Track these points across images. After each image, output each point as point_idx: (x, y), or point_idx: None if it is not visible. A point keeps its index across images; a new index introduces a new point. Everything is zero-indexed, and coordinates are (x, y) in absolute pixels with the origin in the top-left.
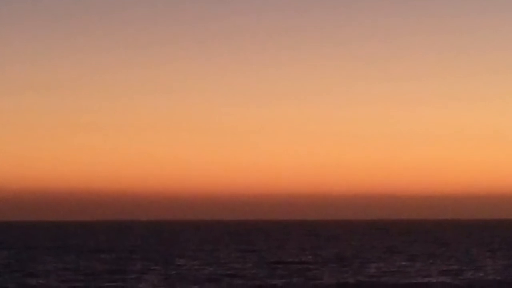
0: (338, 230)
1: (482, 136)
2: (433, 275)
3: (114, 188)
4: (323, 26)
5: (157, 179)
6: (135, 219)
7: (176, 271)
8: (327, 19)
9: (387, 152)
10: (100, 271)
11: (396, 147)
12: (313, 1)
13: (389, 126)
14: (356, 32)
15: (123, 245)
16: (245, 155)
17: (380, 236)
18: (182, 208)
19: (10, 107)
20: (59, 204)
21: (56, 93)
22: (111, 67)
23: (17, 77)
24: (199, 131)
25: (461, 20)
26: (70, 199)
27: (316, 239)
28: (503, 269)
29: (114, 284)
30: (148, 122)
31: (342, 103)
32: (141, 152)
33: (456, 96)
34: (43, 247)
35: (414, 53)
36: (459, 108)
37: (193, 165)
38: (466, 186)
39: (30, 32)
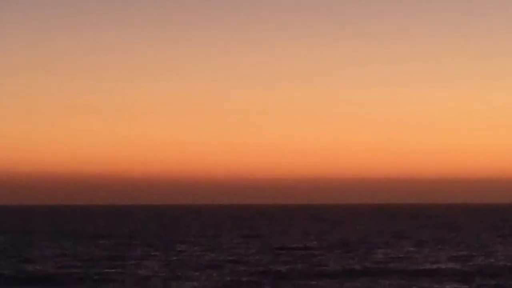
0: (343, 214)
1: (492, 117)
2: (442, 261)
3: (113, 172)
4: (329, 6)
5: (157, 162)
6: (135, 204)
7: (177, 257)
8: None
9: (395, 135)
10: (99, 257)
11: (403, 129)
12: None
13: (397, 108)
14: (363, 13)
15: (122, 230)
16: (248, 138)
17: (387, 220)
18: (183, 192)
19: (5, 90)
20: (57, 188)
21: (52, 74)
22: (110, 48)
23: (12, 58)
24: (200, 113)
25: (470, 0)
26: (67, 183)
27: (321, 224)
28: None
29: (113, 270)
30: (148, 104)
31: (348, 84)
32: (140, 135)
33: (465, 77)
34: (40, 232)
35: (421, 34)
36: (469, 89)
37: (194, 148)
38: (476, 169)
39: (26, 12)
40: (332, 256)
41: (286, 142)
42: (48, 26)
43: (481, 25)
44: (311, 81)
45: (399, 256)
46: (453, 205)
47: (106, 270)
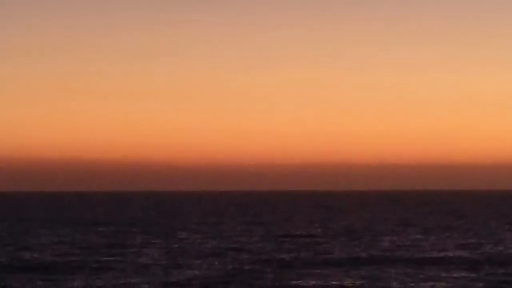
0: (348, 201)
1: (502, 102)
2: (449, 249)
3: (112, 157)
4: None
5: (158, 147)
6: (135, 190)
7: (178, 245)
8: None
9: (401, 119)
10: (98, 245)
11: (410, 114)
12: None
13: (404, 92)
14: None
15: (122, 217)
16: (251, 123)
17: (393, 207)
18: (184, 179)
19: (1, 73)
20: (54, 174)
21: (49, 57)
22: (109, 30)
23: (9, 41)
24: (202, 97)
25: None
26: (65, 169)
27: (325, 211)
28: None
29: (112, 258)
30: (148, 88)
31: (354, 68)
32: (140, 120)
33: (475, 62)
34: (37, 219)
35: (431, 17)
36: (478, 74)
37: (196, 133)
38: (485, 154)
39: None
40: (337, 244)
41: (290, 127)
42: (45, 8)
43: (492, 9)
44: (316, 64)
45: (406, 244)
46: (461, 192)
47: (105, 258)
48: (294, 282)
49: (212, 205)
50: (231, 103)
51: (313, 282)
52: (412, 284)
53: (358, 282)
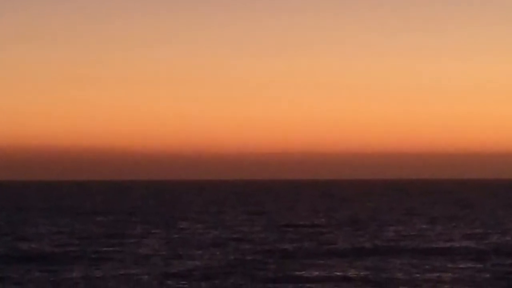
0: (353, 190)
1: (510, 90)
2: (455, 239)
3: (112, 145)
4: None
5: (158, 136)
6: (135, 179)
7: (179, 235)
8: None
9: (407, 107)
10: (97, 235)
11: (416, 101)
12: None
13: (410, 79)
14: None
15: (121, 207)
16: (253, 110)
17: (399, 197)
18: (185, 167)
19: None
20: (53, 163)
21: (49, 44)
22: (109, 17)
23: (7, 27)
24: (203, 84)
25: None
26: (64, 157)
27: (329, 200)
28: None
29: (111, 248)
30: (149, 75)
31: (358, 54)
32: (140, 107)
33: (483, 48)
34: (36, 208)
35: (437, 2)
36: (485, 61)
37: (196, 120)
38: (492, 143)
39: None
40: (341, 234)
41: (293, 114)
42: None
43: None
44: (321, 51)
45: (411, 234)
46: (468, 181)
47: (105, 249)
48: (297, 273)
49: (213, 194)
50: (232, 90)
51: (317, 273)
52: (418, 275)
53: (362, 273)
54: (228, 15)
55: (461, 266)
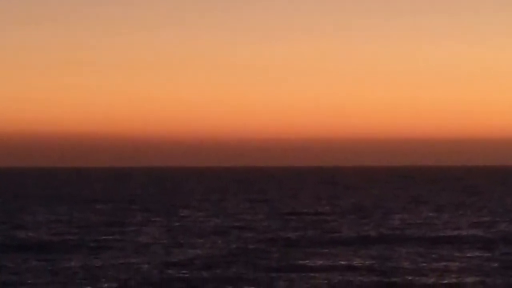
0: (357, 177)
1: None
2: (463, 228)
3: (111, 131)
4: None
5: (159, 121)
6: (134, 166)
7: (179, 223)
8: None
9: (412, 92)
10: (96, 223)
11: (422, 86)
12: None
13: (416, 63)
14: None
15: (121, 194)
16: (255, 95)
17: (404, 184)
18: (186, 154)
19: None
20: (51, 149)
21: (46, 27)
22: (107, 0)
23: (3, 11)
24: (204, 69)
25: None
26: (62, 144)
27: (333, 188)
28: None
29: (111, 237)
30: (149, 59)
31: (362, 38)
32: (140, 92)
33: (490, 32)
34: (33, 196)
35: None
36: (493, 45)
37: (197, 106)
38: (500, 128)
39: None
40: (345, 222)
41: (295, 100)
42: None
43: None
44: (323, 35)
45: (417, 222)
46: (475, 167)
47: (104, 237)
48: (300, 261)
49: (214, 181)
50: (234, 75)
51: (320, 262)
52: (424, 264)
53: (367, 262)
54: (229, 0)
55: (468, 255)
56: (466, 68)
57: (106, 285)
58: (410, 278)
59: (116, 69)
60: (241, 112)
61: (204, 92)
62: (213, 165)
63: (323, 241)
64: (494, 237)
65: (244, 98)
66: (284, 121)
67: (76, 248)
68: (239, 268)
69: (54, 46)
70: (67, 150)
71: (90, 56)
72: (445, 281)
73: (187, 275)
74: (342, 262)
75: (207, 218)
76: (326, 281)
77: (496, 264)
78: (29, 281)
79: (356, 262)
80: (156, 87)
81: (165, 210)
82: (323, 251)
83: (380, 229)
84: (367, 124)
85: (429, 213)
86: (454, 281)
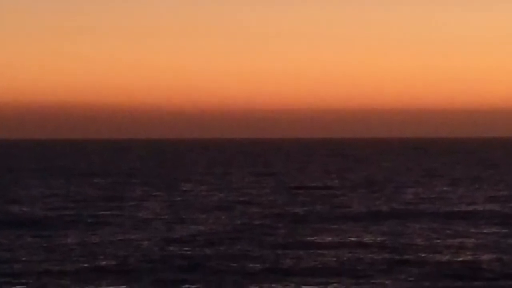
0: (368, 149)
1: None
2: (478, 202)
3: (109, 102)
4: None
5: (159, 91)
6: (134, 138)
7: (181, 198)
8: None
9: (426, 60)
10: (93, 198)
11: (436, 53)
12: None
13: (430, 30)
14: None
15: (120, 167)
16: (261, 64)
17: (418, 156)
18: (188, 125)
19: None
20: (46, 120)
21: None
22: None
23: None
24: (207, 36)
25: None
26: (58, 114)
27: (343, 160)
28: None
29: (109, 212)
30: (148, 26)
31: (375, 4)
32: (140, 60)
33: None
34: (27, 169)
35: None
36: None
37: (200, 75)
38: None
39: None
40: (355, 197)
41: (303, 69)
42: None
43: None
44: (334, 0)
45: (431, 196)
46: (492, 139)
47: (102, 212)
48: (308, 238)
49: (218, 154)
50: (240, 42)
51: (329, 238)
52: (438, 241)
53: (378, 239)
54: None
55: (484, 231)
56: (481, 36)
57: (104, 262)
58: (423, 255)
59: (115, 36)
60: (245, 81)
61: (207, 60)
62: (216, 136)
63: (332, 216)
64: None
65: (249, 67)
66: (292, 91)
67: (73, 224)
68: (243, 245)
69: (50, 12)
70: (63, 120)
71: (87, 21)
72: (460, 259)
73: (189, 252)
74: (352, 239)
75: (210, 192)
76: (335, 259)
77: None
78: (24, 259)
79: (367, 238)
80: (157, 55)
81: (166, 184)
82: (332, 227)
83: (392, 204)
84: (378, 94)
85: (444, 187)
86: (470, 258)
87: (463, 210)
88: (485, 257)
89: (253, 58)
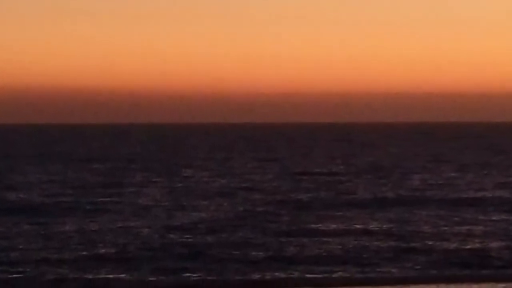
0: (374, 134)
1: None
2: (487, 189)
3: (109, 85)
4: None
5: (160, 75)
6: (134, 122)
7: (182, 184)
8: None
9: (434, 43)
10: (92, 184)
11: (444, 36)
12: None
13: (437, 12)
14: None
15: (119, 153)
16: (264, 47)
17: (425, 141)
18: (189, 109)
19: None
20: (44, 104)
21: None
22: None
23: None
24: (209, 19)
25: None
26: (56, 99)
27: (348, 146)
28: None
29: (108, 199)
30: (150, 8)
31: None
32: (140, 44)
33: None
34: (24, 155)
35: None
36: None
37: (201, 58)
38: None
39: None
40: (361, 183)
41: (308, 52)
42: None
43: None
44: None
45: (439, 182)
46: (501, 124)
47: (101, 199)
48: (312, 225)
49: (220, 139)
50: (242, 26)
51: (334, 225)
52: (446, 228)
53: (384, 226)
54: None
55: (493, 218)
56: (490, 18)
57: (103, 250)
58: (430, 243)
59: (115, 20)
60: (248, 65)
61: (209, 44)
62: (218, 121)
63: (337, 203)
64: None
65: (251, 50)
66: (295, 74)
67: (71, 210)
68: (246, 232)
69: None
70: (61, 104)
71: (87, 3)
72: (468, 246)
73: (190, 239)
74: (358, 226)
75: (211, 178)
76: (340, 247)
77: None
78: (21, 246)
79: (373, 226)
80: (157, 39)
81: (166, 170)
82: (337, 214)
83: (399, 191)
84: (384, 78)
85: (451, 173)
86: (478, 246)
87: (472, 197)
88: (494, 244)
89: (256, 41)
